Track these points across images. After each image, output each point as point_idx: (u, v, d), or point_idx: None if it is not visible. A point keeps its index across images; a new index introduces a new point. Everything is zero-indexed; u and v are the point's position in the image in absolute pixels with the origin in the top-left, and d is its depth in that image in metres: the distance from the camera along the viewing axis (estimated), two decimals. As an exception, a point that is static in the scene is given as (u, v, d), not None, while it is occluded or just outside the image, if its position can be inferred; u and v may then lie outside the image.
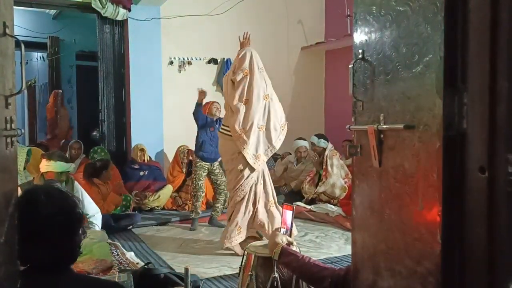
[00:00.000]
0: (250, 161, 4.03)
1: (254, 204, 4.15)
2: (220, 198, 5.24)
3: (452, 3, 1.09)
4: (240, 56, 4.16)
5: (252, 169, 4.07)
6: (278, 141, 4.18)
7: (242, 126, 4.02)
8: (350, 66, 1.63)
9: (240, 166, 4.10)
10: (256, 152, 4.06)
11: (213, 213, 5.24)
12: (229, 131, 4.11)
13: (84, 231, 1.53)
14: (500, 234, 0.99)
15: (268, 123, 4.10)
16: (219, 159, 5.00)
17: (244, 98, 4.04)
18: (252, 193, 4.14)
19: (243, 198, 4.12)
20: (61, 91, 8.29)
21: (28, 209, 1.39)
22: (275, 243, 2.05)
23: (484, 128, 1.01)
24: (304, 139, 6.37)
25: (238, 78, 4.05)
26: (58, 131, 8.11)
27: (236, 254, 3.99)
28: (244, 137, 4.00)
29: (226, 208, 5.04)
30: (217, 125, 5.09)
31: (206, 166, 5.14)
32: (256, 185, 4.15)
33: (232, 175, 4.19)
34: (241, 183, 4.10)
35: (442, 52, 1.11)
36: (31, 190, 1.48)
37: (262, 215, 4.15)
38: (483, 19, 1.01)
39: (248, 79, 4.06)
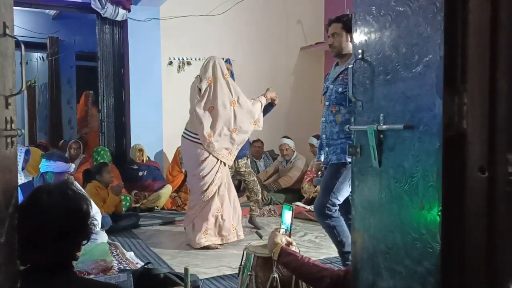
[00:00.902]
0: (224, 159, 4.21)
1: (224, 206, 4.29)
2: (253, 198, 5.07)
3: (452, 3, 1.09)
4: (204, 64, 4.29)
5: (218, 174, 4.21)
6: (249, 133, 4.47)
7: (209, 131, 4.14)
8: (349, 66, 1.63)
9: (207, 170, 4.18)
10: (229, 149, 4.26)
11: (252, 213, 5.09)
12: (194, 137, 4.19)
13: (88, 234, 1.51)
14: (500, 234, 1.00)
15: (239, 125, 4.27)
16: (244, 158, 4.96)
17: (209, 105, 4.17)
18: (217, 197, 4.24)
19: (208, 203, 4.23)
20: (92, 92, 8.30)
21: (29, 209, 1.39)
22: (275, 243, 2.05)
23: (484, 128, 1.01)
24: (289, 138, 6.44)
25: (204, 87, 4.17)
26: (88, 129, 8.18)
27: (211, 248, 4.18)
28: (213, 141, 4.13)
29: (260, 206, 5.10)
30: None
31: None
32: (220, 188, 4.25)
33: (197, 180, 4.22)
34: (207, 188, 4.19)
35: (442, 52, 1.11)
36: (36, 190, 1.48)
37: (229, 219, 4.31)
38: (483, 19, 1.02)
39: (212, 87, 4.18)
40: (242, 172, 5.01)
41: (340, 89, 3.06)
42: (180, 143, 4.45)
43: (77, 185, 4.01)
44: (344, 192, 3.05)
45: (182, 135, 4.32)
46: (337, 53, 3.16)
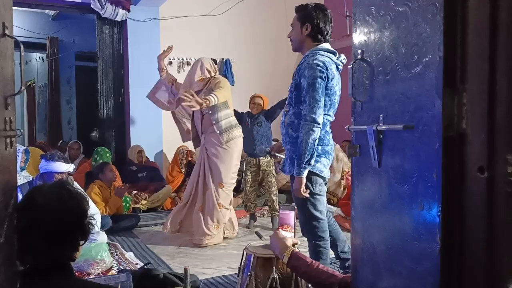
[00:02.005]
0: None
1: None
2: (268, 198, 5.10)
3: (451, 3, 1.09)
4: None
5: None
6: None
7: None
8: (349, 66, 1.63)
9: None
10: None
11: (273, 212, 5.07)
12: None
13: (85, 234, 1.50)
14: (500, 234, 0.99)
15: None
16: (267, 156, 4.98)
17: None
18: None
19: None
20: None
21: (25, 210, 1.39)
22: (286, 246, 2.04)
23: (484, 128, 1.01)
24: (276, 140, 6.46)
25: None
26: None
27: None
28: None
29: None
30: (250, 120, 5.06)
31: (251, 161, 5.06)
32: None
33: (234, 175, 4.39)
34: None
35: (442, 52, 1.11)
36: (31, 191, 1.48)
37: None
38: (482, 19, 1.01)
39: None
40: (263, 171, 5.07)
41: (290, 88, 2.83)
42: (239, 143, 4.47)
43: (77, 185, 4.02)
44: (320, 201, 2.81)
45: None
46: (294, 46, 2.92)
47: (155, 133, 6.49)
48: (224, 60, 7.00)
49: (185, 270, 2.26)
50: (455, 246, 1.10)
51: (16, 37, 1.29)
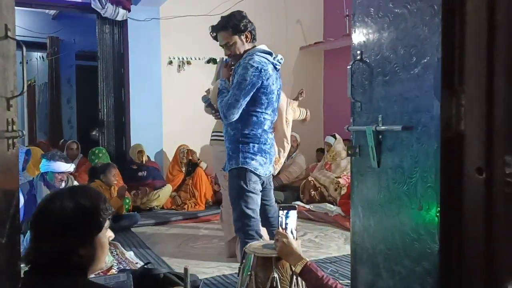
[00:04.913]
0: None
1: None
2: None
3: (449, 5, 1.10)
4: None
5: None
6: None
7: None
8: (348, 67, 1.63)
9: None
10: None
11: None
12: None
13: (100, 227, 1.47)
14: (498, 234, 1.00)
15: None
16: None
17: None
18: None
19: None
20: None
21: (42, 210, 1.37)
22: (300, 258, 2.04)
23: (482, 129, 1.02)
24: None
25: None
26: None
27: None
28: None
29: None
30: None
31: None
32: None
33: None
34: None
35: (440, 54, 1.12)
36: (50, 196, 1.44)
37: None
38: (480, 21, 1.02)
39: None
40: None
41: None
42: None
43: (77, 184, 4.02)
44: (253, 199, 2.85)
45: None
46: (236, 59, 2.90)
47: (155, 132, 6.49)
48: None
49: (185, 269, 2.27)
50: (454, 246, 1.11)
51: (18, 38, 1.30)
